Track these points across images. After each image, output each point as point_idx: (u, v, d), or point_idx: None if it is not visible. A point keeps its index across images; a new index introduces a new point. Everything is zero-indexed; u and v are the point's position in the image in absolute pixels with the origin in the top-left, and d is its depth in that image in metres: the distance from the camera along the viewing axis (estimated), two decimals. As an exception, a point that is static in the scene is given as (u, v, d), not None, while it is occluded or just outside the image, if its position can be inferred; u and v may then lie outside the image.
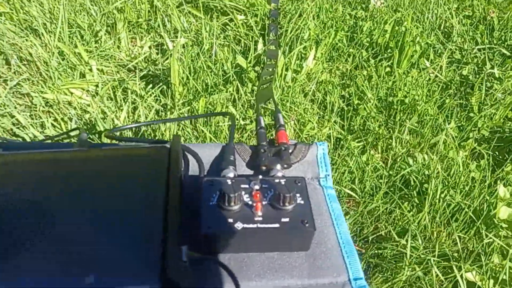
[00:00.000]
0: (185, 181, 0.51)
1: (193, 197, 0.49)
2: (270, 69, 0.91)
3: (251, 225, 0.43)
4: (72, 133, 0.80)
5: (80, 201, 0.36)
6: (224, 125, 0.99)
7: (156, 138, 0.95)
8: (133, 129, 0.97)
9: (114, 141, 0.59)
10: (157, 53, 1.23)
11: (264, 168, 0.53)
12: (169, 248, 0.31)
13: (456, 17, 1.49)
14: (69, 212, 0.34)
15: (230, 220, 0.43)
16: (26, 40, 1.16)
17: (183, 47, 1.18)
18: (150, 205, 0.36)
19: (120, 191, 0.37)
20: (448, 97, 1.20)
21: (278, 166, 0.52)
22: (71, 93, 1.05)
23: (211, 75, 1.08)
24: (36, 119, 0.99)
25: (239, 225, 0.42)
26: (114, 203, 0.36)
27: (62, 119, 0.99)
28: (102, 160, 0.42)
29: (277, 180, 0.47)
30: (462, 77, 1.31)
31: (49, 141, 0.80)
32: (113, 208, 0.35)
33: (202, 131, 0.98)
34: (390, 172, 0.97)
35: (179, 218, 0.35)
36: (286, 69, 1.15)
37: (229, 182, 0.46)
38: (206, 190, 0.46)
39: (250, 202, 0.45)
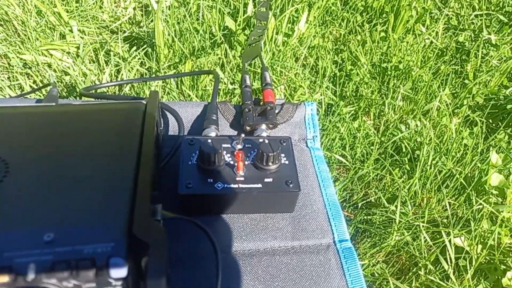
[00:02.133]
0: (164, 140, 0.48)
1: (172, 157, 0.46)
2: (260, 30, 0.87)
3: (232, 185, 0.40)
4: (45, 90, 0.76)
5: (42, 154, 0.33)
6: (211, 89, 0.96)
7: (140, 101, 0.92)
8: (115, 91, 0.92)
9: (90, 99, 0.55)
10: (142, 15, 1.17)
11: (248, 128, 0.50)
12: (138, 203, 0.28)
13: (454, -19, 1.44)
14: (28, 165, 0.31)
15: (210, 180, 0.40)
16: (2, -2, 1.09)
17: (169, 8, 1.13)
18: (120, 159, 0.33)
19: (86, 145, 0.34)
20: (443, 64, 1.17)
21: (263, 126, 0.50)
22: (51, 55, 1.00)
23: (198, 37, 1.04)
24: (14, 81, 0.94)
25: (219, 185, 0.40)
26: (79, 157, 0.33)
27: (41, 81, 0.95)
28: (69, 114, 0.38)
29: (261, 140, 0.44)
30: (458, 43, 1.27)
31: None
32: (77, 161, 0.32)
33: (189, 95, 0.94)
34: (382, 139, 0.95)
35: (151, 174, 0.32)
36: (277, 33, 1.11)
37: (209, 141, 0.43)
38: (185, 149, 0.43)
39: (231, 162, 0.42)
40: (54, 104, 0.41)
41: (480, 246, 0.74)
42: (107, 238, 0.26)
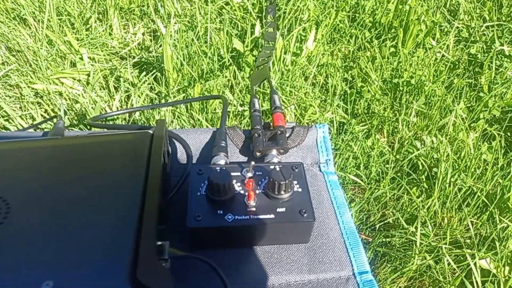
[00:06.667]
0: (171, 170, 0.47)
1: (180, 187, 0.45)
2: (268, 51, 0.87)
3: (243, 217, 0.38)
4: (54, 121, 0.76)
5: (45, 192, 0.31)
6: (221, 112, 0.95)
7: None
8: (125, 117, 0.92)
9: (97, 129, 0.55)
10: (151, 40, 1.18)
11: (258, 154, 0.48)
12: (143, 243, 0.27)
13: (463, -6, 1.42)
14: (30, 205, 0.30)
15: (220, 212, 0.39)
16: (14, 29, 1.11)
17: (177, 32, 1.13)
18: (125, 194, 0.32)
19: (90, 180, 0.33)
20: (456, 77, 1.15)
21: (274, 152, 0.48)
22: (62, 83, 1.01)
23: (206, 60, 1.03)
24: (26, 111, 0.95)
25: (230, 217, 0.38)
26: (82, 194, 0.31)
27: (52, 110, 0.95)
28: (74, 148, 0.37)
29: (272, 167, 0.43)
30: (471, 56, 1.25)
31: (32, 130, 0.76)
32: (80, 199, 0.31)
33: (198, 119, 0.93)
34: (397, 157, 0.92)
35: (158, 209, 0.31)
36: (285, 52, 1.10)
37: (218, 169, 0.42)
38: (193, 179, 0.42)
39: (242, 192, 0.40)
40: (59, 137, 0.41)
41: (507, 268, 0.70)
42: (109, 285, 0.24)
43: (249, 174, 0.42)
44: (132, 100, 0.98)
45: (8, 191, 0.32)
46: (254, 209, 0.39)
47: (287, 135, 0.51)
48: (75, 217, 0.29)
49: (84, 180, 0.33)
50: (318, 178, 0.49)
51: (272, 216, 0.38)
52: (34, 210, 0.30)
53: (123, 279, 0.25)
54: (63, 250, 0.27)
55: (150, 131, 0.42)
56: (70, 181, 0.33)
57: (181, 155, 0.50)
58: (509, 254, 0.72)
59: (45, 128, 0.88)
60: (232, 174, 0.41)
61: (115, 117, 0.89)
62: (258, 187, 0.41)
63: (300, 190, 0.41)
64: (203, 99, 0.86)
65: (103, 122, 0.65)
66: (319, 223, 0.43)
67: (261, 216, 0.38)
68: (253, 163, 0.41)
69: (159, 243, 0.30)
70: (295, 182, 0.41)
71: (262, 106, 0.95)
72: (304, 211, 0.39)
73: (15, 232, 0.28)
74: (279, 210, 0.39)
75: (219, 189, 0.39)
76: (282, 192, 0.40)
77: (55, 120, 0.59)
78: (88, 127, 0.89)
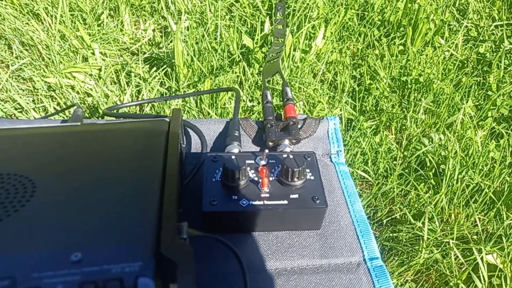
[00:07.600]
0: (186, 158, 0.48)
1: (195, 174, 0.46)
2: (278, 47, 0.87)
3: (257, 202, 0.39)
4: (70, 110, 0.77)
5: (69, 173, 0.33)
6: (231, 107, 0.96)
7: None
8: (136, 111, 0.94)
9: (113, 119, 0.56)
10: (161, 36, 1.19)
11: (271, 144, 0.49)
12: (164, 222, 0.28)
13: (472, -7, 1.42)
14: (55, 184, 0.31)
15: (235, 197, 0.40)
16: (28, 24, 1.13)
17: (188, 29, 1.15)
18: (145, 178, 0.33)
19: (112, 163, 0.34)
20: (464, 76, 1.15)
21: (286, 142, 0.49)
22: (74, 77, 1.03)
23: (216, 56, 1.05)
24: (39, 103, 0.97)
25: (244, 202, 0.39)
26: (105, 176, 0.33)
27: (65, 103, 0.97)
28: (95, 133, 0.38)
29: (285, 155, 0.44)
30: (479, 55, 1.25)
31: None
32: (104, 180, 0.32)
33: (208, 113, 0.94)
34: (405, 153, 0.93)
35: (177, 192, 0.32)
36: (294, 49, 1.11)
37: (233, 157, 0.43)
38: (208, 166, 0.43)
39: (256, 178, 0.41)
40: (79, 123, 0.42)
41: (514, 264, 0.71)
42: (135, 257, 0.26)
43: (263, 162, 0.43)
44: (142, 94, 0.99)
45: (33, 171, 0.33)
46: (267, 195, 0.40)
47: (299, 126, 0.52)
48: (100, 195, 0.30)
49: (106, 163, 0.34)
50: (329, 169, 0.50)
51: (285, 202, 0.39)
52: (59, 189, 0.31)
53: (148, 251, 0.26)
54: (89, 225, 0.28)
55: (167, 119, 0.43)
56: (92, 164, 0.34)
57: (195, 145, 0.51)
58: (516, 250, 0.73)
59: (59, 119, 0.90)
60: (247, 161, 0.42)
61: (127, 109, 0.90)
62: (272, 174, 0.42)
63: (312, 178, 0.42)
64: (216, 91, 0.87)
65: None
66: (330, 211, 0.44)
67: (274, 202, 0.39)
68: (267, 151, 0.42)
69: (178, 223, 0.31)
70: (307, 170, 0.42)
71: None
72: (316, 197, 0.40)
73: (42, 209, 0.29)
74: (292, 196, 0.40)
75: (233, 175, 0.40)
76: (295, 179, 0.40)
77: (73, 108, 0.61)
78: (103, 117, 0.90)
